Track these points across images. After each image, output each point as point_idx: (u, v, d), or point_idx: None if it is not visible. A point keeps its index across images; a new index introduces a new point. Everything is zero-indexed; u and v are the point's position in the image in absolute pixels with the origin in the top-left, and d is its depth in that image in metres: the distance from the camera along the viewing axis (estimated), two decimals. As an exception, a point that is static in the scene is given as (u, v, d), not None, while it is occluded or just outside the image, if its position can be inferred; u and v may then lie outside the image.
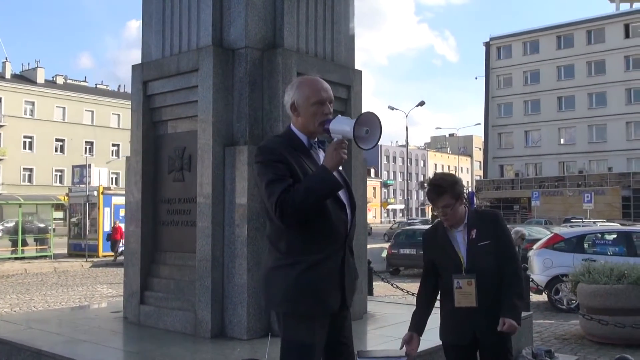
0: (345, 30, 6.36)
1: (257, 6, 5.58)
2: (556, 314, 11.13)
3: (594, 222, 28.39)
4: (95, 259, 23.99)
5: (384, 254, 19.59)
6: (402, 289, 8.98)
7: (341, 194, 2.79)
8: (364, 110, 2.73)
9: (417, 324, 3.43)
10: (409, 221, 52.90)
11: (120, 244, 23.41)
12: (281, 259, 2.74)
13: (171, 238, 5.92)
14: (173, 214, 5.88)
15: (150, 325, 5.75)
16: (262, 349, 4.92)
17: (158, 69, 5.97)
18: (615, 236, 13.04)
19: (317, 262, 2.68)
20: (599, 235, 13.38)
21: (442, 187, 3.35)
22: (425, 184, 3.53)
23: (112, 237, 24.35)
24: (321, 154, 2.87)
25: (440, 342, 5.05)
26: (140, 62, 6.28)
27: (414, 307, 3.55)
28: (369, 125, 2.64)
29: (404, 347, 3.32)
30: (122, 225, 24.59)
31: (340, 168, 2.84)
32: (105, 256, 24.29)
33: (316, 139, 2.88)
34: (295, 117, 2.86)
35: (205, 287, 5.32)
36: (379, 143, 2.83)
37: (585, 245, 12.84)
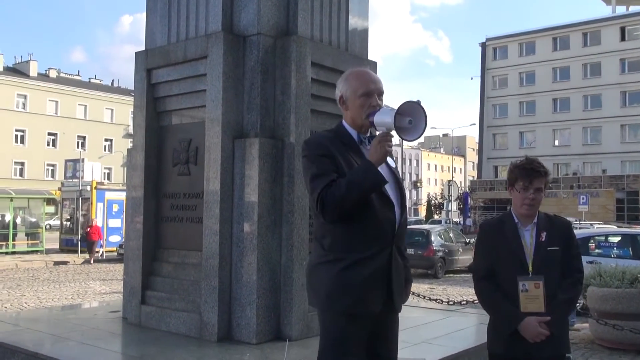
0: (359, 20, 6.07)
1: (270, -9, 5.28)
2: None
3: (591, 225, 28.23)
4: (87, 255, 23.56)
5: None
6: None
7: (389, 190, 2.68)
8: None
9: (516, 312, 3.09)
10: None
11: (99, 245, 22.93)
12: (324, 256, 2.65)
13: (175, 235, 5.61)
14: (177, 209, 5.57)
15: (152, 327, 5.43)
16: (272, 354, 4.64)
17: (163, 55, 5.65)
18: (619, 238, 12.89)
19: (360, 260, 2.59)
20: (604, 237, 13.22)
21: (545, 169, 3.15)
22: (518, 163, 3.26)
23: (88, 238, 22.58)
24: None
25: (463, 349, 4.86)
26: (143, 49, 5.95)
27: (495, 306, 3.19)
28: (412, 114, 2.52)
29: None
30: (116, 222, 24.79)
31: (393, 164, 2.74)
32: (97, 252, 23.87)
33: (368, 134, 2.78)
34: (344, 111, 2.79)
35: (211, 287, 5.02)
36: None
37: (590, 248, 12.65)
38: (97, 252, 23.21)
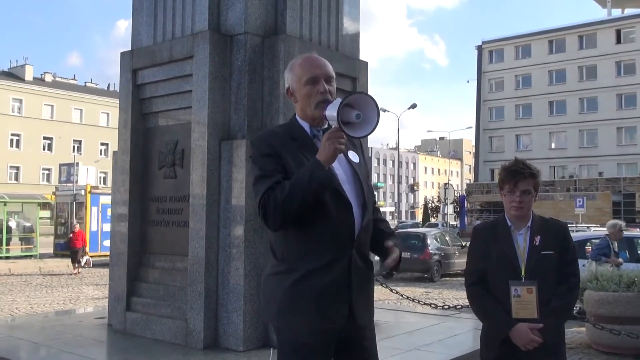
0: (350, 19, 5.96)
1: (258, -11, 5.16)
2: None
3: (588, 227, 28.15)
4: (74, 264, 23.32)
5: (377, 257, 19.19)
6: (401, 295, 8.63)
7: (348, 190, 2.38)
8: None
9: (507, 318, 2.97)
10: (401, 224, 52.77)
11: (83, 252, 20.08)
12: (276, 266, 2.40)
13: (161, 239, 5.48)
14: (163, 213, 5.44)
15: (137, 334, 5.29)
16: (259, 362, 4.51)
17: (149, 56, 5.53)
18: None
19: (315, 270, 2.30)
20: (599, 240, 13.11)
21: (530, 170, 3.02)
22: (506, 165, 3.12)
23: (70, 245, 19.96)
24: None
25: (457, 356, 4.73)
26: (130, 49, 5.82)
27: (485, 310, 3.07)
28: (361, 107, 2.20)
29: None
30: (108, 227, 23.93)
31: (356, 159, 2.45)
32: (92, 256, 23.65)
33: (324, 126, 2.44)
34: (294, 103, 2.51)
35: (197, 293, 4.88)
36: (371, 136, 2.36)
37: (586, 251, 12.55)
38: (81, 261, 20.10)
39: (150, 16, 5.67)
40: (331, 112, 2.24)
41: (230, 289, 4.85)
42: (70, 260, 19.98)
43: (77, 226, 21.26)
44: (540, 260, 2.98)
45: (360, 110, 2.20)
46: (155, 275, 5.46)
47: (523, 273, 2.97)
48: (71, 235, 20.54)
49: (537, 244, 3.01)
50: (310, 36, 5.49)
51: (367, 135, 2.29)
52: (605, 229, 10.76)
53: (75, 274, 18.97)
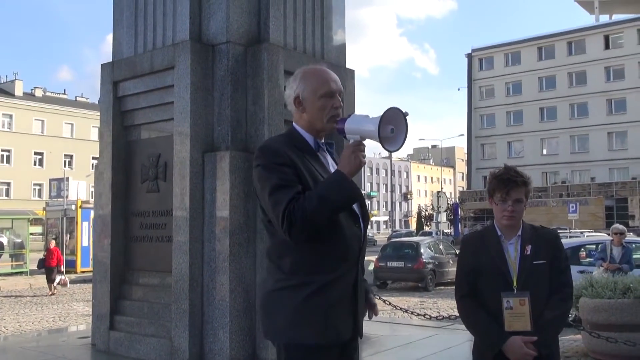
0: (336, 27, 5.85)
1: (240, -3, 5.05)
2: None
3: (582, 233, 28.12)
4: (73, 275, 23.07)
5: (371, 267, 19.07)
6: (394, 306, 8.47)
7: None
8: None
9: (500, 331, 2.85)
10: (395, 233, 52.63)
11: (59, 271, 18.38)
12: (284, 280, 2.32)
13: (145, 255, 5.33)
14: (147, 228, 5.30)
15: (121, 354, 5.14)
16: (246, 381, 4.36)
17: (130, 67, 5.41)
18: (610, 247, 12.68)
19: (329, 283, 2.28)
20: (594, 246, 13.03)
21: (523, 178, 2.92)
22: (496, 173, 3.00)
23: (45, 264, 18.26)
24: (329, 158, 2.49)
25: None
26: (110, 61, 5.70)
27: (478, 326, 2.95)
28: (394, 123, 2.25)
29: None
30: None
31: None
32: (83, 272, 23.34)
33: (323, 140, 2.49)
34: (299, 113, 2.46)
35: (182, 310, 4.73)
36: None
37: (580, 257, 12.48)
38: (58, 279, 18.43)
39: (131, 27, 5.55)
40: (356, 126, 2.27)
41: (216, 305, 4.71)
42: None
43: (53, 242, 19.62)
44: (532, 271, 2.87)
45: (394, 125, 2.25)
46: (139, 293, 5.31)
47: (515, 284, 2.86)
48: (45, 252, 19.01)
49: (528, 253, 2.90)
50: (295, 45, 5.38)
51: (399, 149, 2.32)
52: (598, 234, 10.74)
53: (51, 294, 17.41)
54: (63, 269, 18.76)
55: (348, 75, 5.83)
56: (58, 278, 18.28)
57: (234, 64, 4.94)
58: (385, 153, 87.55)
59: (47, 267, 18.02)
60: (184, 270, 4.75)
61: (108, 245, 5.40)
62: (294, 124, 2.48)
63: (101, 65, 5.68)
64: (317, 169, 2.36)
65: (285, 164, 2.28)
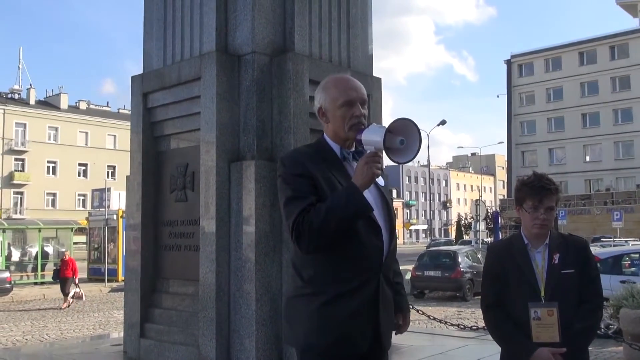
0: (362, 35, 5.83)
1: (265, 8, 5.08)
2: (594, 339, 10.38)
3: (626, 242, 27.28)
4: (114, 284, 23.54)
5: (408, 276, 18.91)
6: (428, 315, 8.36)
7: (377, 215, 2.37)
8: (391, 120, 2.19)
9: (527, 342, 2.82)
10: (433, 242, 52.04)
11: (75, 282, 17.76)
12: (302, 288, 2.37)
13: (174, 264, 5.39)
14: (175, 237, 5.36)
15: (151, 362, 5.20)
16: (272, 390, 4.36)
17: (159, 79, 5.50)
18: (656, 256, 12.31)
19: (344, 294, 2.29)
20: (637, 255, 12.64)
21: (555, 185, 2.88)
22: (526, 180, 2.95)
23: (60, 275, 17.77)
24: None
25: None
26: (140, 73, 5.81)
27: (508, 339, 2.92)
28: (405, 134, 2.22)
29: None
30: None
31: (382, 182, 2.42)
32: (124, 280, 23.73)
33: (352, 149, 2.47)
34: (325, 124, 2.50)
35: (209, 318, 4.76)
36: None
37: (623, 266, 12.11)
38: (72, 292, 17.70)
39: (160, 39, 5.65)
40: (369, 136, 2.25)
41: (242, 314, 4.72)
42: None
43: (67, 254, 19.15)
44: (560, 280, 2.80)
45: (404, 136, 2.22)
46: (169, 301, 5.37)
47: (542, 294, 2.80)
48: (60, 263, 18.54)
49: (556, 262, 2.83)
50: (320, 54, 5.39)
51: (409, 161, 2.30)
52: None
53: (65, 307, 16.95)
54: (77, 280, 18.06)
55: (375, 84, 5.80)
56: (72, 291, 17.70)
57: (260, 74, 4.97)
58: (424, 161, 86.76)
59: (62, 278, 17.54)
60: (210, 279, 4.78)
61: (139, 253, 5.49)
62: (323, 134, 2.52)
63: (131, 77, 5.80)
64: (338, 179, 2.35)
65: (302, 174, 2.30)
